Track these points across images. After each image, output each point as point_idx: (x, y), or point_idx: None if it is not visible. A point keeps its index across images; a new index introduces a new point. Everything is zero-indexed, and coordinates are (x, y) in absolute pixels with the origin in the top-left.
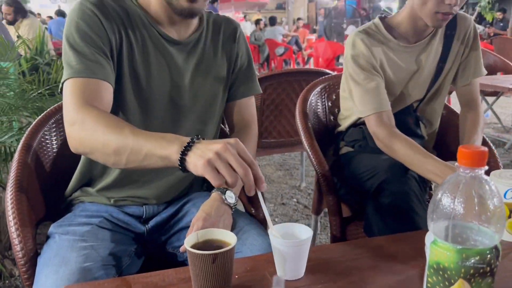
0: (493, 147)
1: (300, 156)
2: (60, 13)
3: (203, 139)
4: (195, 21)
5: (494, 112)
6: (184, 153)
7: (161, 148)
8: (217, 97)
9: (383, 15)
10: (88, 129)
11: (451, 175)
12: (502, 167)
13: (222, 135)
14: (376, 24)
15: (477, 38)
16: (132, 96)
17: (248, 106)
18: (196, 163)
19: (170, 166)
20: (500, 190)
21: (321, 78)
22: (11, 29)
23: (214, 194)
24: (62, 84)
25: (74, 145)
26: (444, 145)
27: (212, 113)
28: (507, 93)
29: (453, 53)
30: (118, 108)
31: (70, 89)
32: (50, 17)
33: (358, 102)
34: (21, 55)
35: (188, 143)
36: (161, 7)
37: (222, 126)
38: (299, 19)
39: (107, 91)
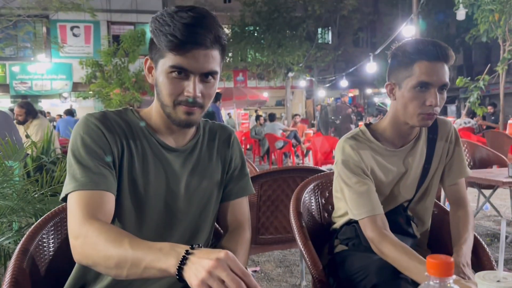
0: (485, 246)
1: (300, 252)
2: (69, 112)
3: (198, 245)
4: (192, 130)
5: (492, 205)
6: (180, 267)
7: (159, 262)
8: (211, 200)
9: (368, 122)
10: (91, 244)
11: (422, 285)
12: (495, 264)
13: (215, 234)
14: (363, 131)
15: (458, 140)
16: (129, 202)
17: (241, 207)
18: (191, 281)
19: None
20: None
21: (313, 176)
22: (20, 128)
23: None
24: (66, 195)
25: (78, 258)
26: (439, 244)
27: (206, 216)
28: (502, 186)
29: (437, 155)
30: (115, 213)
31: (74, 202)
32: (60, 116)
33: (352, 205)
34: (28, 154)
35: (184, 256)
36: (160, 118)
37: (216, 225)
38: (296, 115)
39: (109, 200)
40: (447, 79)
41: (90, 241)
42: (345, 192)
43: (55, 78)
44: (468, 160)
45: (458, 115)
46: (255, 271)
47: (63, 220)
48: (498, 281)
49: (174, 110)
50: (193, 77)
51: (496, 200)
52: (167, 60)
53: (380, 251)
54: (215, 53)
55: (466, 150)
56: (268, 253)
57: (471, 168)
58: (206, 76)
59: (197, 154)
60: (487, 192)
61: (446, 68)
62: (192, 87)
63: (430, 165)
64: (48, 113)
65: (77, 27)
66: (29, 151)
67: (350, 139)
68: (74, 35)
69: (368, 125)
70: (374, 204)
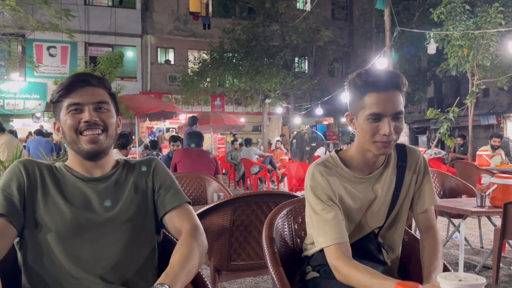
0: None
1: (272, 279)
2: (40, 132)
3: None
4: (109, 164)
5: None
6: None
7: None
8: (137, 219)
9: (339, 148)
10: None
11: None
12: None
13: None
14: (333, 157)
15: (427, 169)
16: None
17: (180, 216)
18: None
19: None
20: None
21: (287, 201)
22: None
23: None
24: None
25: None
26: (409, 271)
27: (134, 231)
28: (471, 215)
29: (406, 183)
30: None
31: None
32: (31, 133)
33: (318, 232)
34: None
35: None
36: (76, 160)
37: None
38: (278, 140)
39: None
40: (399, 107)
41: None
42: (312, 219)
43: (28, 97)
44: (438, 189)
45: (429, 146)
46: None
47: None
48: (460, 280)
49: (78, 140)
50: (87, 108)
51: (465, 229)
52: (64, 103)
53: (344, 276)
54: (101, 91)
55: (437, 179)
56: (240, 280)
57: (441, 197)
58: (99, 107)
59: (112, 182)
60: (456, 221)
61: (399, 95)
62: (87, 115)
63: (399, 192)
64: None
65: (54, 47)
66: None
67: (320, 165)
68: (51, 55)
69: (338, 151)
70: (340, 232)
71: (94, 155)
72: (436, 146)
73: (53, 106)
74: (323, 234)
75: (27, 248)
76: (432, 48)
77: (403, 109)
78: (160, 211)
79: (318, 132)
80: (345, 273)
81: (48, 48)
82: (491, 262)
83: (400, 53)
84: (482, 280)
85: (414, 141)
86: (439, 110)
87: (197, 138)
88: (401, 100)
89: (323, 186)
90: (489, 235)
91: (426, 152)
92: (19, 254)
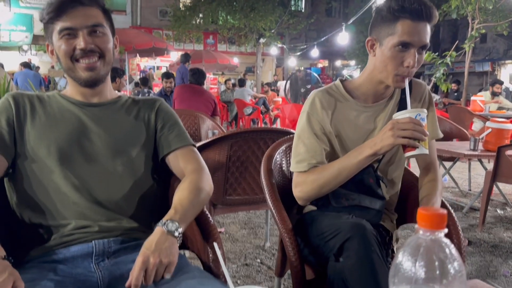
0: (452, 211)
1: (265, 215)
2: (26, 65)
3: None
4: (107, 91)
5: (451, 177)
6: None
7: None
8: (136, 151)
9: (343, 78)
10: None
11: (412, 237)
12: (461, 231)
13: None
14: (336, 85)
15: (432, 102)
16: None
17: (189, 156)
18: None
19: None
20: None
21: (286, 137)
22: None
23: (156, 228)
24: None
25: None
26: (405, 208)
27: (135, 165)
28: (462, 159)
29: None
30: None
31: None
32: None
33: (294, 154)
34: None
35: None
36: (74, 87)
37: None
38: (266, 83)
39: None
40: (428, 40)
41: None
42: (295, 141)
43: (14, 29)
44: None
45: None
46: (220, 232)
47: None
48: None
49: (74, 68)
50: (81, 33)
51: (454, 173)
52: (56, 27)
53: (311, 187)
54: (95, 10)
55: None
56: (233, 215)
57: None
58: (94, 30)
59: (117, 109)
60: (448, 164)
61: (429, 28)
62: (82, 43)
63: None
64: None
65: None
66: None
67: (323, 91)
68: None
69: (343, 81)
70: (314, 162)
71: (92, 83)
72: (431, 90)
73: (43, 27)
74: (296, 157)
75: (22, 178)
76: None
77: (429, 43)
78: (164, 150)
79: (314, 73)
80: (311, 184)
81: None
82: (478, 205)
83: None
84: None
85: None
86: (436, 54)
87: (199, 75)
88: (429, 33)
89: (319, 116)
90: (477, 178)
91: None
92: (10, 189)
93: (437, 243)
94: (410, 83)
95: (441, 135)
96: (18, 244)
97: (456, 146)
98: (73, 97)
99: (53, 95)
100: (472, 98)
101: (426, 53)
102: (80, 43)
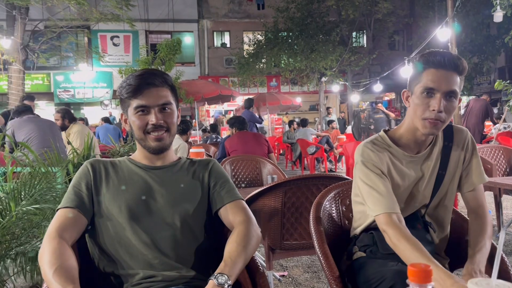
0: (504, 255)
1: (317, 256)
2: (106, 120)
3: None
4: (169, 155)
5: None
6: None
7: None
8: (193, 207)
9: (387, 128)
10: None
11: None
12: None
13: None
14: (381, 136)
15: (475, 148)
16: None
17: (237, 209)
18: None
19: None
20: None
21: (335, 184)
22: (63, 134)
23: (209, 281)
24: None
25: None
26: (457, 251)
27: (188, 219)
28: None
29: (452, 162)
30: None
31: None
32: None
33: (370, 203)
34: (70, 160)
35: None
36: (142, 152)
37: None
38: (332, 121)
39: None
40: (454, 87)
41: None
42: (364, 191)
43: (96, 86)
44: (504, 166)
45: (493, 121)
46: (283, 275)
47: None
48: None
49: (145, 139)
50: (153, 110)
51: None
52: (132, 103)
53: (393, 243)
54: (165, 90)
55: (502, 156)
56: (296, 258)
57: (507, 175)
58: (163, 107)
59: (177, 171)
60: None
61: (456, 77)
62: (154, 119)
63: (445, 171)
64: (81, 119)
65: (117, 36)
66: (71, 156)
67: (369, 143)
68: (114, 44)
69: (386, 131)
70: (392, 202)
71: (159, 151)
72: (505, 120)
73: (120, 100)
74: (375, 203)
75: (99, 234)
76: (498, 16)
77: (458, 90)
78: (217, 205)
79: (384, 109)
80: (395, 241)
81: (112, 38)
82: None
83: (466, 21)
84: None
85: (485, 115)
86: (508, 81)
87: (240, 123)
88: (457, 82)
89: (374, 160)
90: None
91: (494, 126)
92: (90, 242)
93: None
94: (451, 130)
95: (487, 179)
96: None
97: None
98: (140, 161)
99: (123, 160)
100: None
101: (460, 101)
102: (152, 119)
